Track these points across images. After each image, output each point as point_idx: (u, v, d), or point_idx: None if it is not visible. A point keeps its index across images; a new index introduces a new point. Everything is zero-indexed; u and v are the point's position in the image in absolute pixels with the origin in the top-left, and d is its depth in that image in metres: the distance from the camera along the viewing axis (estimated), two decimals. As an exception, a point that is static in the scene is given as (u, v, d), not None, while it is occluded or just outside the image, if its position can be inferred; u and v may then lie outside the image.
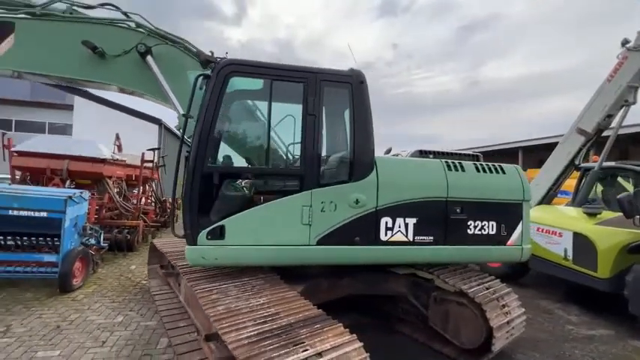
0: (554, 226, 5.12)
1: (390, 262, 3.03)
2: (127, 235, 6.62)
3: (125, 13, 3.63)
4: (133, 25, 3.61)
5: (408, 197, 2.98)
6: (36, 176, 6.15)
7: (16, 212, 4.21)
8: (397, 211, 2.95)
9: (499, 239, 3.23)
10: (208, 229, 2.58)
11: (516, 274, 5.82)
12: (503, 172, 3.33)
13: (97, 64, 3.47)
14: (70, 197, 4.41)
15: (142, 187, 8.50)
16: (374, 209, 2.90)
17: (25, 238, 4.55)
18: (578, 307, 4.83)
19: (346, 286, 3.74)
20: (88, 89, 4.37)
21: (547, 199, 6.17)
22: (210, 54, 3.28)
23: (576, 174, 6.09)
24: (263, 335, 2.02)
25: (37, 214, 4.24)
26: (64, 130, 14.14)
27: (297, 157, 2.98)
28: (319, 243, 2.78)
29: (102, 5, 3.64)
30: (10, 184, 5.37)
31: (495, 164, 3.40)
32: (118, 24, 3.58)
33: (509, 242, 3.26)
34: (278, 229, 2.71)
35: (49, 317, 3.65)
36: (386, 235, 2.93)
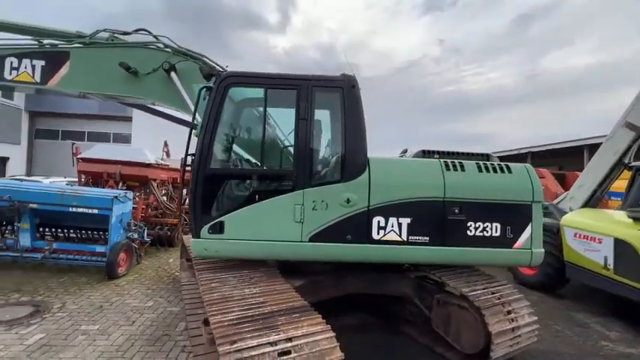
0: (592, 231, 4.64)
1: (383, 260, 3.06)
2: (168, 231, 7.38)
3: (155, 36, 4.16)
4: (161, 45, 4.12)
5: (401, 197, 3.00)
6: (95, 179, 7.16)
7: (74, 209, 5.00)
8: (390, 210, 2.99)
9: (504, 242, 3.08)
10: (210, 224, 2.88)
11: (553, 283, 5.36)
12: (509, 172, 3.18)
13: (131, 81, 4.03)
14: (116, 197, 5.11)
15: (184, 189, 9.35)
16: (366, 208, 2.97)
17: (82, 231, 5.38)
18: (622, 323, 4.31)
19: (351, 285, 3.83)
20: (131, 103, 5.02)
21: (593, 201, 5.58)
22: (218, 67, 3.63)
23: (627, 174, 5.41)
24: (244, 320, 2.24)
25: (90, 211, 4.99)
26: (126, 138, 16.16)
27: (291, 158, 3.17)
28: (311, 240, 2.93)
29: (136, 31, 4.21)
30: (71, 186, 6.35)
31: (502, 164, 3.26)
32: (149, 46, 4.12)
33: (516, 245, 3.09)
34: (272, 225, 2.92)
35: (96, 298, 4.29)
36: (378, 234, 2.98)
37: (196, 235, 2.90)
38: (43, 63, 4.05)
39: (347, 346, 3.20)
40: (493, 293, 3.14)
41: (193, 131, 3.28)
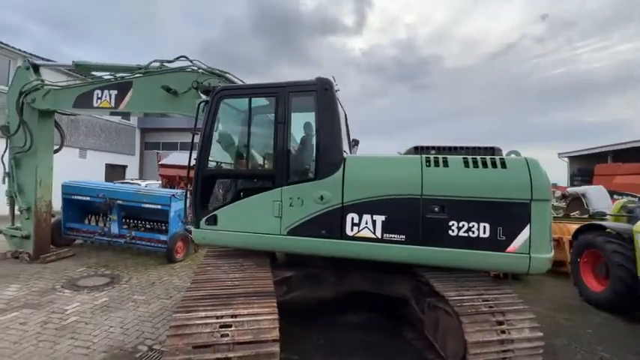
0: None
1: (357, 257, 3.07)
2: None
3: (191, 61, 4.96)
4: (195, 68, 4.90)
5: (375, 194, 3.00)
6: (171, 181, 8.71)
7: (145, 205, 6.26)
8: (364, 207, 3.01)
9: (495, 244, 2.77)
10: (206, 216, 3.39)
11: (625, 303, 4.37)
12: (503, 167, 2.84)
13: (172, 100, 4.90)
14: (173, 195, 6.20)
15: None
16: (340, 205, 3.06)
17: (152, 222, 6.68)
18: None
19: (352, 282, 3.91)
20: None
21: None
22: (239, 82, 4.16)
23: None
24: (210, 297, 2.63)
25: (155, 206, 6.19)
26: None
27: (271, 159, 3.45)
28: (289, 233, 3.17)
29: (177, 58, 5.09)
30: (145, 186, 7.89)
31: (497, 157, 2.92)
32: (185, 69, 4.94)
33: (510, 249, 2.75)
34: (256, 219, 3.26)
35: (152, 277, 5.33)
36: (352, 230, 3.04)
37: (197, 226, 3.43)
38: (115, 92, 5.26)
39: (344, 343, 3.38)
40: (486, 300, 2.85)
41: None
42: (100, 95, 5.37)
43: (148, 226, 6.97)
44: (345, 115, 4.11)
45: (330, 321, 3.98)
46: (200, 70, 4.80)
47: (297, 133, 3.45)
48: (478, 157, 2.93)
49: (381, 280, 3.77)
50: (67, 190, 6.68)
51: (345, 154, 3.19)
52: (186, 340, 2.18)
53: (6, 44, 11.27)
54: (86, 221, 7.14)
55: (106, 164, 16.41)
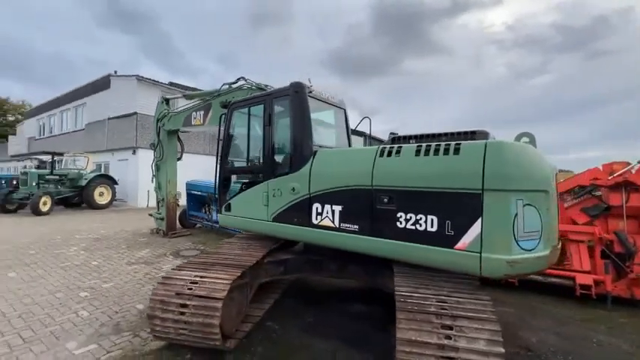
0: None
1: (321, 244, 3.27)
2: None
3: (245, 80, 6.10)
4: (248, 85, 6.00)
5: (333, 185, 3.17)
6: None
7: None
8: (325, 198, 3.23)
9: (443, 240, 2.52)
10: (225, 204, 4.30)
11: None
12: (456, 153, 2.51)
13: (232, 114, 6.15)
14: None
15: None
16: (308, 196, 3.38)
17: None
18: None
19: (352, 273, 4.05)
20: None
21: None
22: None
23: None
24: (200, 263, 3.45)
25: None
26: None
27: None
28: (274, 220, 3.69)
29: (238, 79, 6.32)
30: None
31: (452, 143, 2.60)
32: (242, 87, 6.11)
33: (458, 245, 2.44)
34: (252, 207, 3.92)
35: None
36: (316, 219, 3.30)
37: (220, 212, 4.39)
38: (202, 112, 6.97)
39: (330, 326, 3.64)
40: (441, 302, 2.60)
41: None
42: (195, 116, 7.22)
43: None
44: (345, 111, 4.26)
45: (334, 307, 4.22)
46: (253, 87, 5.85)
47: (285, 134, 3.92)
48: (433, 144, 2.68)
49: (373, 274, 3.77)
50: (188, 187, 9.14)
51: (315, 149, 3.47)
52: (167, 288, 3.05)
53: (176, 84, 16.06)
54: (203, 210, 9.51)
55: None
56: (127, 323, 3.60)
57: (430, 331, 2.41)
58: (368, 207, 2.92)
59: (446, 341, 2.35)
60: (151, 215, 8.84)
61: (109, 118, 17.51)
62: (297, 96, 3.53)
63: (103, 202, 14.23)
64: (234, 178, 4.48)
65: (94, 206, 13.88)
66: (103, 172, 16.33)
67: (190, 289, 2.98)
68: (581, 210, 4.75)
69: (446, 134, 3.09)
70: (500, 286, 4.90)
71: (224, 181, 4.35)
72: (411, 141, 3.29)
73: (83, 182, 13.88)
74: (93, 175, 14.41)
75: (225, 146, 4.32)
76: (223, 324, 2.95)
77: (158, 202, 8.64)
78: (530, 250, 2.34)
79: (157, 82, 17.77)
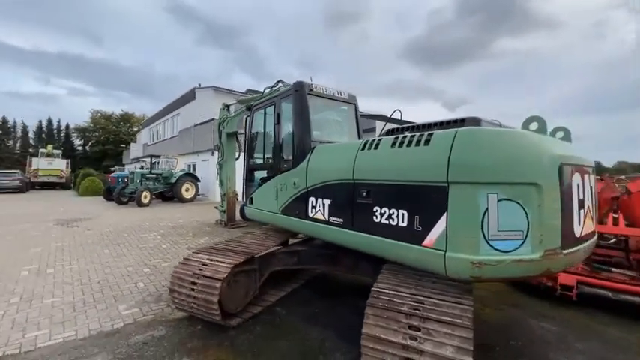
0: None
1: (315, 236, 3.39)
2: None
3: (283, 82, 6.50)
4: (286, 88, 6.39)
5: (323, 180, 3.26)
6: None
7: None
8: (318, 192, 3.35)
9: (412, 236, 2.41)
10: (249, 198, 4.74)
11: None
12: (427, 144, 2.35)
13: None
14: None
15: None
16: (305, 190, 3.54)
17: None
18: None
19: (363, 270, 4.06)
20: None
21: None
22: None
23: None
24: (217, 248, 3.92)
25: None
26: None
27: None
28: (282, 213, 3.96)
29: (277, 82, 6.77)
30: None
31: (426, 133, 2.43)
32: (279, 89, 6.53)
33: (425, 242, 2.31)
34: (267, 200, 4.26)
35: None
36: (312, 212, 3.44)
37: (245, 205, 4.86)
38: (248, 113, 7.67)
39: (334, 319, 3.77)
40: (416, 302, 2.48)
41: None
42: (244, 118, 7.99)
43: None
44: (356, 105, 4.25)
45: (344, 301, 4.27)
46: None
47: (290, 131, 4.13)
48: (408, 135, 2.56)
49: (375, 271, 3.72)
50: (246, 183, 10.10)
51: (314, 145, 3.59)
52: (185, 267, 3.59)
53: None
54: (259, 205, 10.41)
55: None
56: (167, 295, 4.32)
57: (396, 330, 2.35)
58: (350, 201, 2.94)
59: (410, 342, 2.27)
60: (216, 208, 10.08)
61: (194, 125, 20.38)
62: (297, 94, 3.70)
63: (189, 197, 16.72)
64: (256, 174, 4.90)
65: (181, 200, 16.44)
66: (190, 171, 19.12)
67: (200, 269, 3.46)
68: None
69: (437, 124, 2.89)
70: (553, 298, 4.23)
71: (247, 177, 4.80)
72: (405, 132, 3.16)
73: (173, 180, 16.60)
74: (181, 173, 17.09)
75: (249, 145, 4.76)
76: (226, 303, 3.35)
77: (221, 197, 9.80)
78: (508, 252, 2.06)
79: (231, 90, 19.91)
